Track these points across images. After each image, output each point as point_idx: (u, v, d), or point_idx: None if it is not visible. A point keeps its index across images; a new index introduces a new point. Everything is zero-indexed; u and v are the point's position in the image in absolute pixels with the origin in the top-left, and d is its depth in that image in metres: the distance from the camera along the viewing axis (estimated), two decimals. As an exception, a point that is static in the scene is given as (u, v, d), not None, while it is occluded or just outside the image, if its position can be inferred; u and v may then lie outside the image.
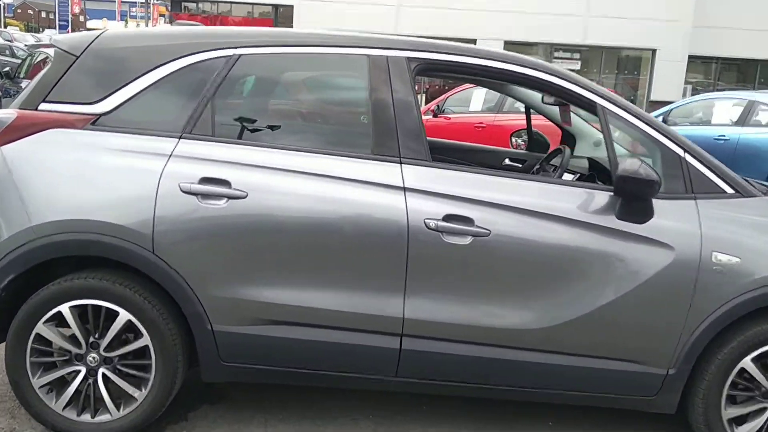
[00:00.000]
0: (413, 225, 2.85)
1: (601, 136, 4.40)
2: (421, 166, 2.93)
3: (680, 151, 3.02)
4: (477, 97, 10.76)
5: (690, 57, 23.69)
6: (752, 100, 10.14)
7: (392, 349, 2.93)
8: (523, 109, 10.38)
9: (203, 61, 3.02)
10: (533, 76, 3.07)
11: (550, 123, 4.46)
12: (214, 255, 2.86)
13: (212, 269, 2.87)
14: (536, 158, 4.50)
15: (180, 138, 2.92)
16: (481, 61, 3.08)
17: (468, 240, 2.85)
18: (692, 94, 23.11)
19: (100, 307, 2.88)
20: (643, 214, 2.88)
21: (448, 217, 2.86)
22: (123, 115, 2.95)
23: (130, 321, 2.89)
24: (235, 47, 3.04)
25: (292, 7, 25.07)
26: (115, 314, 2.88)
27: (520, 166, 4.51)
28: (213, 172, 2.87)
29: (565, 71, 3.13)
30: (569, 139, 4.47)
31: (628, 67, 25.42)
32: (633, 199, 2.86)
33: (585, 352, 2.96)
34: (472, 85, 10.52)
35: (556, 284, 2.90)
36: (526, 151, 4.65)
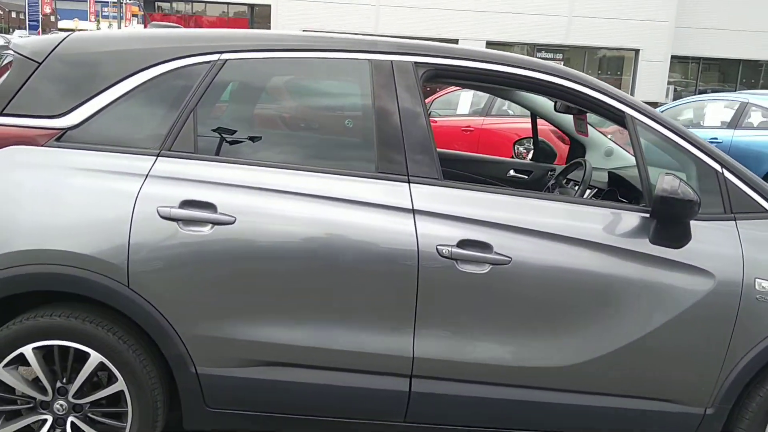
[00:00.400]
0: (424, 252, 2.53)
1: (612, 145, 4.16)
2: (432, 185, 2.62)
3: (717, 167, 2.73)
4: (464, 100, 10.45)
5: (672, 57, 23.65)
6: (744, 102, 9.96)
7: (401, 392, 2.61)
8: (512, 112, 10.21)
9: (185, 67, 2.67)
10: (556, 84, 2.76)
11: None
12: (198, 289, 2.52)
13: (196, 305, 2.53)
14: (542, 169, 4.21)
15: (158, 155, 2.58)
16: (498, 67, 2.76)
17: (486, 269, 2.54)
18: (673, 94, 23.08)
19: (67, 347, 2.54)
20: (680, 237, 2.58)
21: (463, 243, 2.54)
22: (92, 130, 2.60)
23: (102, 363, 2.54)
24: (221, 51, 2.69)
25: (268, 6, 24.69)
26: (86, 356, 2.54)
27: (526, 177, 4.22)
28: (196, 195, 2.53)
29: (591, 78, 2.82)
30: (578, 148, 4.18)
31: (611, 67, 25.34)
32: (670, 221, 2.56)
33: (614, 391, 2.67)
34: (459, 88, 10.23)
35: (583, 317, 2.60)
36: (531, 162, 4.35)
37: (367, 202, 2.57)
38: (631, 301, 2.60)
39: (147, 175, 2.54)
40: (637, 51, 23.52)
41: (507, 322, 2.60)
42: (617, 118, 2.77)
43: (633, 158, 4.14)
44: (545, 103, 4.01)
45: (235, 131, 2.80)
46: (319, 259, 2.54)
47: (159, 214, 2.49)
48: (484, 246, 2.54)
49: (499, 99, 9.98)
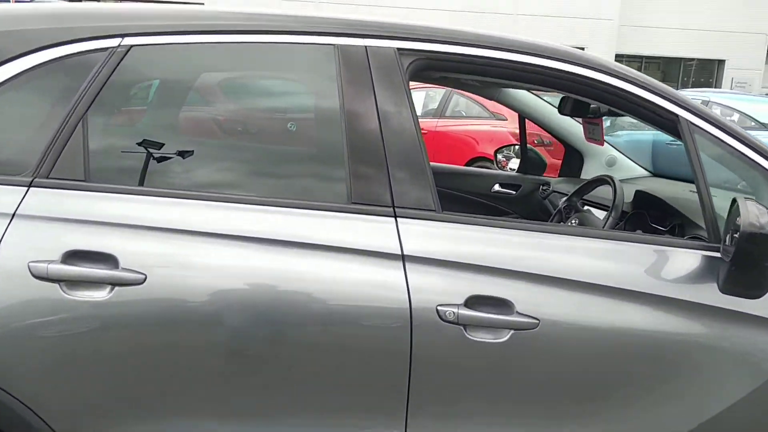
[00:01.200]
0: (419, 314, 1.79)
1: (615, 153, 3.50)
2: (428, 219, 1.88)
3: (795, 186, 2.07)
4: (415, 101, 9.75)
5: (615, 56, 23.64)
6: (705, 100, 9.59)
7: None
8: (464, 113, 9.56)
9: (70, 56, 1.86)
10: (595, 81, 2.06)
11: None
12: (93, 378, 1.74)
13: (90, 401, 1.75)
14: (533, 182, 3.53)
15: (30, 185, 1.77)
16: (521, 57, 2.01)
17: (505, 336, 1.82)
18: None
19: None
20: (760, 284, 1.90)
21: (473, 301, 1.81)
22: None
23: (-47, 490, 1.74)
24: (123, 34, 1.89)
25: (202, 5, 23.75)
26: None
27: (514, 193, 3.53)
28: (87, 242, 1.73)
29: (637, 73, 2.13)
30: (574, 156, 3.52)
31: (556, 66, 25.21)
32: (751, 264, 1.87)
33: None
34: (414, 86, 9.54)
35: (633, 396, 1.91)
36: (519, 174, 3.65)
37: (336, 247, 1.82)
38: (696, 373, 1.92)
39: (13, 215, 1.73)
40: (581, 49, 23.39)
41: (533, 408, 1.89)
42: (667, 123, 2.09)
43: (640, 168, 3.52)
44: (538, 104, 3.34)
45: (147, 149, 1.98)
46: (268, 330, 1.78)
47: (31, 273, 1.69)
48: (503, 304, 1.82)
49: (452, 100, 9.35)
